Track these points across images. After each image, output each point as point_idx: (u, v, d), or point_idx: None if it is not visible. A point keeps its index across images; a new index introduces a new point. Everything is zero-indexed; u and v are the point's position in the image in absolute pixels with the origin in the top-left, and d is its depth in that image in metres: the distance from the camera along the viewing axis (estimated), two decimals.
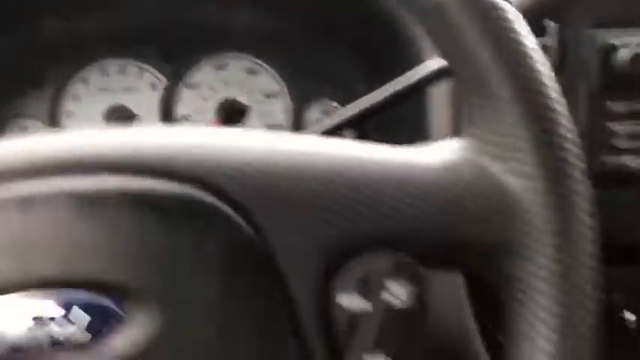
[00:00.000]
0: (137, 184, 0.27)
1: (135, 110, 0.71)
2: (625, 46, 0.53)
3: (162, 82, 0.70)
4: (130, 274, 0.27)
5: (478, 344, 0.49)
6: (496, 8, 0.29)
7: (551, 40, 0.55)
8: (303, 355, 0.28)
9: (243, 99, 0.71)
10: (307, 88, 0.70)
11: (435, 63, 0.49)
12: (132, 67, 0.70)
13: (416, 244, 0.28)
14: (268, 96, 0.71)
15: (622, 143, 0.54)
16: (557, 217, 0.27)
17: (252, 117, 0.71)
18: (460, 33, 0.29)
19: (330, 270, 0.28)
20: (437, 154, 0.30)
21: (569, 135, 0.28)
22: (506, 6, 0.29)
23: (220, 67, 0.71)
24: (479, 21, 0.28)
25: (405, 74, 0.50)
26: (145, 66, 0.70)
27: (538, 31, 0.56)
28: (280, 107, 0.71)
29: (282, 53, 0.70)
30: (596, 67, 0.54)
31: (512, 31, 0.29)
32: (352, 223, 0.28)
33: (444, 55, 0.31)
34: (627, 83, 0.54)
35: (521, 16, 0.29)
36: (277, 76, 0.71)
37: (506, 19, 0.29)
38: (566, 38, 0.55)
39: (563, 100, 0.29)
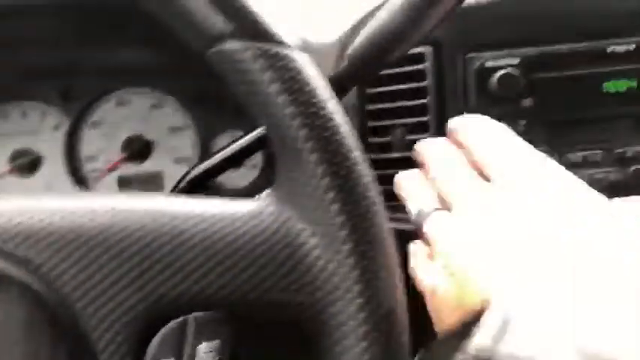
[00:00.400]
0: None
1: (39, 152, 0.70)
2: (498, 68, 0.54)
3: (65, 122, 0.70)
4: None
5: None
6: (283, 59, 0.29)
7: (429, 65, 0.56)
8: None
9: (148, 134, 0.71)
10: (213, 119, 0.71)
11: None
12: (33, 109, 0.70)
13: (224, 302, 0.28)
14: (174, 130, 0.71)
15: None
16: (358, 272, 0.28)
17: (159, 152, 0.71)
18: (253, 82, 0.29)
19: (142, 337, 0.28)
20: (247, 204, 0.30)
21: (366, 180, 0.29)
22: (295, 54, 0.30)
23: (122, 104, 0.70)
24: (268, 72, 0.29)
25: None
26: (46, 107, 0.70)
27: (417, 56, 0.57)
28: (187, 140, 0.71)
29: (186, 87, 0.70)
30: (472, 90, 0.55)
31: (301, 81, 0.29)
32: (160, 287, 0.28)
33: (245, 105, 0.32)
34: (502, 104, 0.55)
35: (310, 61, 0.30)
36: (182, 110, 0.71)
37: (294, 69, 0.29)
38: (443, 63, 0.56)
39: (358, 146, 0.29)
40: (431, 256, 0.38)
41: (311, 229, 0.29)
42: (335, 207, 0.28)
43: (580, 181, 0.36)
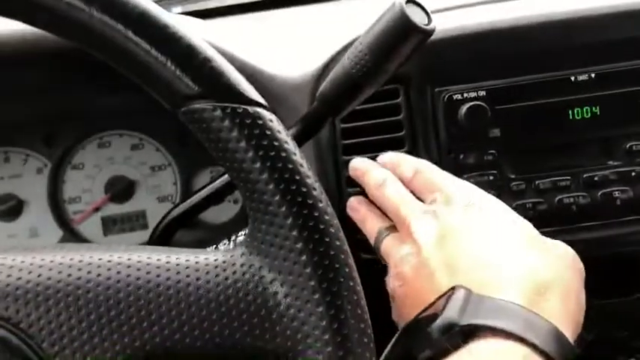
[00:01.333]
0: None
1: (22, 197, 0.71)
2: (466, 100, 0.56)
3: (47, 166, 0.71)
4: None
5: None
6: (250, 117, 0.31)
7: (403, 100, 0.58)
8: None
9: (130, 174, 0.72)
10: (193, 156, 0.72)
11: None
12: (15, 154, 0.71)
13: (199, 352, 0.30)
14: (155, 169, 0.72)
15: None
16: (328, 321, 0.29)
17: (142, 191, 0.72)
18: (222, 139, 0.31)
19: None
20: (219, 254, 0.32)
21: (333, 229, 0.30)
22: (262, 112, 0.31)
23: (104, 146, 0.72)
24: (236, 130, 0.30)
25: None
26: (29, 152, 0.71)
27: (392, 91, 0.59)
28: (169, 179, 0.72)
29: (165, 126, 0.71)
30: (442, 122, 0.57)
31: (268, 137, 0.31)
32: (137, 340, 0.29)
33: (216, 158, 0.33)
34: (471, 135, 0.56)
35: (277, 120, 0.32)
36: (162, 149, 0.72)
37: (261, 126, 0.31)
38: (413, 97, 0.58)
39: (325, 197, 0.31)
40: None
41: (281, 278, 0.30)
42: (304, 257, 0.30)
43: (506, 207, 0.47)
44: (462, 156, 0.57)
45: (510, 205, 0.57)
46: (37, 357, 0.29)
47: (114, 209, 0.72)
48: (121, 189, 0.71)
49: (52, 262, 0.31)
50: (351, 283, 0.30)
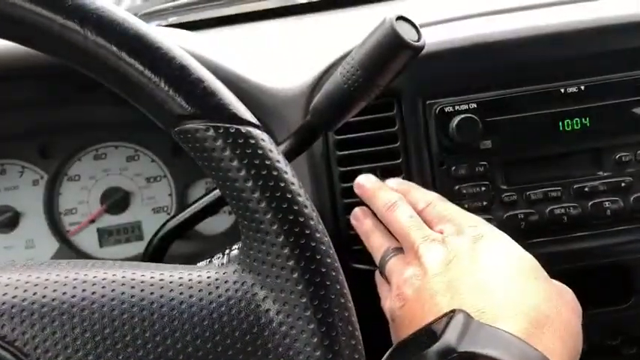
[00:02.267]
0: None
1: (18, 209, 0.71)
2: (457, 113, 0.57)
3: (43, 178, 0.72)
4: None
5: None
6: (242, 137, 0.31)
7: (397, 112, 0.59)
8: None
9: (126, 186, 0.72)
10: (188, 168, 0.72)
11: None
12: (11, 166, 0.71)
13: None
14: (151, 180, 0.73)
15: (467, 203, 0.57)
16: (319, 338, 0.29)
17: (137, 202, 0.73)
18: (215, 159, 0.31)
19: None
20: (212, 272, 0.32)
21: (324, 247, 0.31)
22: (254, 131, 0.32)
23: (100, 157, 0.72)
24: (228, 150, 0.31)
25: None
26: (25, 164, 0.71)
27: (387, 103, 0.59)
28: (164, 190, 0.73)
29: (160, 138, 0.72)
30: (433, 134, 0.58)
31: (260, 157, 0.31)
32: (130, 358, 0.30)
33: (209, 177, 0.34)
34: (462, 147, 0.57)
35: (269, 138, 0.32)
36: (158, 160, 0.73)
37: (253, 146, 0.31)
38: (405, 110, 0.58)
39: (316, 215, 0.31)
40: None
41: (273, 296, 0.31)
42: (295, 275, 0.30)
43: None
44: (453, 167, 0.58)
45: (502, 216, 0.58)
46: None
47: (110, 220, 0.72)
48: (116, 200, 0.72)
49: (47, 280, 0.31)
50: (342, 300, 0.30)
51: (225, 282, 0.31)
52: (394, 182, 0.55)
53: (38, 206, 0.72)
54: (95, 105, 0.67)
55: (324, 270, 0.30)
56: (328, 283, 0.30)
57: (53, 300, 0.30)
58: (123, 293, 0.31)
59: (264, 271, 0.31)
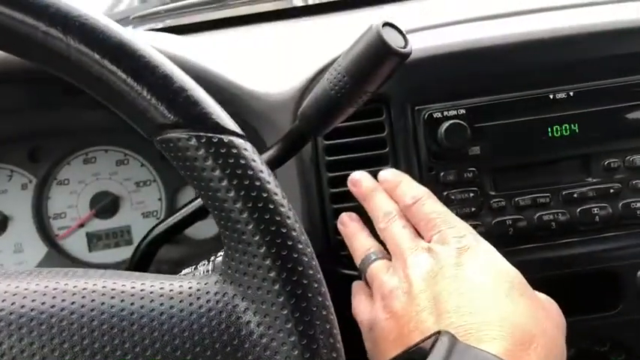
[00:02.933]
0: None
1: (7, 212, 0.71)
2: (446, 119, 0.57)
3: (32, 182, 0.71)
4: None
5: None
6: (225, 146, 0.31)
7: (386, 118, 0.59)
8: None
9: (115, 190, 0.72)
10: (177, 172, 0.72)
11: None
12: (1, 170, 0.71)
13: None
14: (140, 185, 0.73)
15: (456, 209, 0.57)
16: (300, 351, 0.29)
17: (127, 207, 0.73)
18: (197, 168, 0.31)
19: None
20: (193, 282, 0.32)
21: (307, 259, 0.31)
22: (237, 140, 0.31)
23: (89, 162, 0.72)
24: (210, 159, 0.31)
25: None
26: (14, 167, 0.71)
27: (376, 108, 0.59)
28: (153, 194, 0.73)
29: (149, 142, 0.71)
30: (422, 140, 0.57)
31: (243, 166, 0.31)
32: None
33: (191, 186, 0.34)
34: (451, 153, 0.57)
35: (252, 148, 0.32)
36: (147, 164, 0.73)
37: (235, 155, 0.31)
38: (394, 116, 0.58)
39: (299, 226, 0.31)
40: (371, 296, 0.49)
41: (254, 307, 0.30)
42: (277, 286, 0.30)
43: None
44: (442, 173, 0.58)
45: (490, 222, 0.58)
46: None
47: (99, 225, 0.72)
48: (106, 205, 0.72)
49: (26, 289, 0.31)
50: (324, 312, 0.30)
51: (207, 293, 0.31)
52: (387, 174, 0.54)
53: (27, 210, 0.71)
54: (85, 109, 0.66)
55: (305, 282, 0.30)
56: (310, 295, 0.30)
57: (32, 310, 0.30)
58: (103, 303, 0.31)
59: (245, 283, 0.31)
